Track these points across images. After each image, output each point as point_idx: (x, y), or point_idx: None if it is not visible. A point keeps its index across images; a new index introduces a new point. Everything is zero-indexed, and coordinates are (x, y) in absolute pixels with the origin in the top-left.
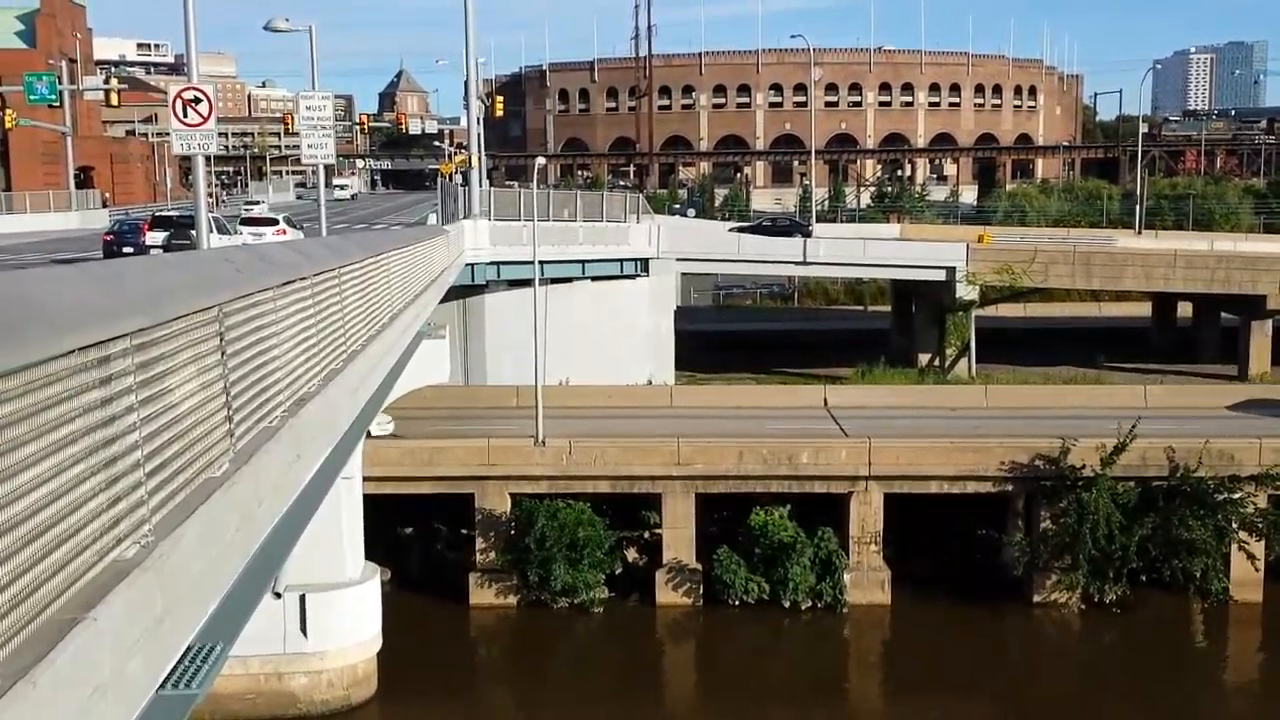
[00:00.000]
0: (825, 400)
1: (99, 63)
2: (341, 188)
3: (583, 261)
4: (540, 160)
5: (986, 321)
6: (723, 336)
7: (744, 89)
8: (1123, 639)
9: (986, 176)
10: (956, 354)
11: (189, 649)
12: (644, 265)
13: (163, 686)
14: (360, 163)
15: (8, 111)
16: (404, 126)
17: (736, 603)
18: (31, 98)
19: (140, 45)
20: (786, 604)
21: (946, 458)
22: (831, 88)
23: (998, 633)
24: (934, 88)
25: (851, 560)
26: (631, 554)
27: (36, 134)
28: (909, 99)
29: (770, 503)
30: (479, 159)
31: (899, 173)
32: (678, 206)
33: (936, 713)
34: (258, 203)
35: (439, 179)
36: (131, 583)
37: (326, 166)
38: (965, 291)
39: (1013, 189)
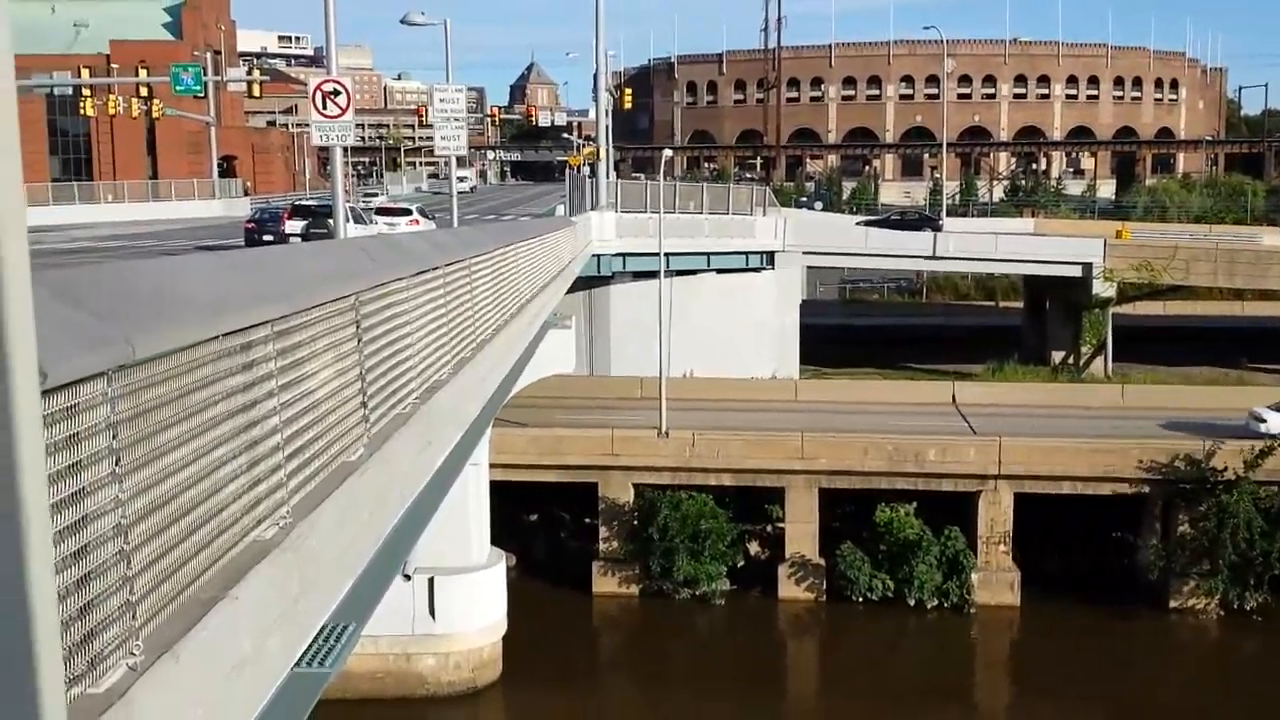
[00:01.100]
0: (954, 397)
1: (242, 55)
2: (460, 179)
3: (708, 254)
4: (667, 152)
5: (1124, 319)
6: (849, 331)
7: (874, 81)
8: (1263, 648)
9: (1125, 171)
10: (1092, 352)
11: (323, 628)
12: (769, 258)
13: (298, 664)
14: (490, 154)
15: (155, 102)
16: (533, 119)
17: (860, 600)
18: (177, 89)
19: (281, 38)
20: (911, 602)
21: (1080, 458)
22: (964, 79)
23: (1130, 638)
24: (1071, 80)
25: (979, 560)
26: (754, 547)
27: (182, 124)
28: (1045, 91)
29: (895, 500)
30: (606, 151)
31: (1033, 166)
32: (804, 200)
33: (1063, 717)
34: (375, 194)
35: (567, 171)
36: (271, 562)
37: (458, 159)
38: (1102, 288)
39: (1152, 184)
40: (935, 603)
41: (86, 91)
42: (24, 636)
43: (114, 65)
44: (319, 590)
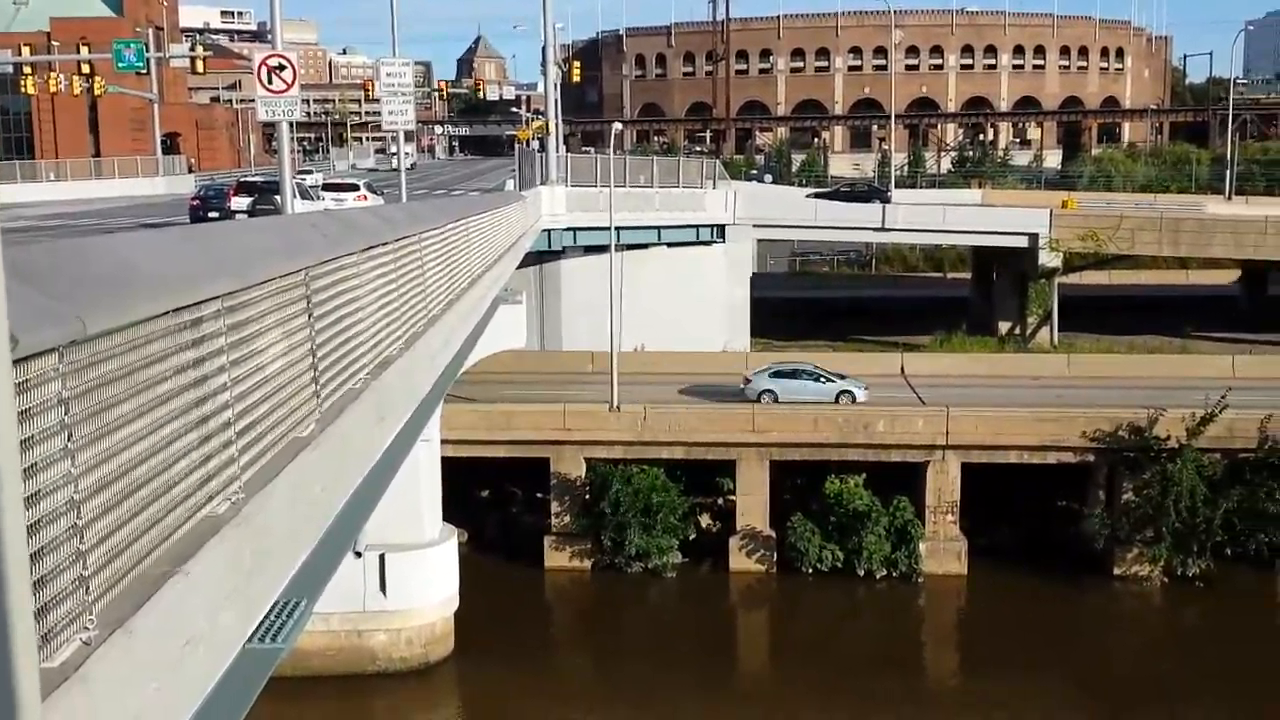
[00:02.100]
0: (902, 368)
1: (184, 30)
2: (406, 154)
3: (659, 228)
4: (617, 126)
5: (1070, 290)
6: (799, 303)
7: (822, 52)
8: (1205, 614)
9: (1071, 141)
10: (1038, 322)
11: (275, 604)
12: (720, 232)
13: (250, 640)
14: (439, 129)
15: (96, 79)
16: (482, 92)
17: (810, 571)
18: (119, 65)
19: (224, 13)
20: (861, 573)
21: (1027, 427)
22: (912, 50)
23: (1077, 605)
24: (1018, 50)
25: (927, 530)
26: (705, 520)
27: (124, 101)
28: (992, 62)
29: (845, 471)
30: (556, 125)
31: (981, 137)
32: (754, 172)
33: (1012, 685)
34: (309, 171)
35: (516, 145)
36: (223, 538)
37: (406, 134)
38: (1048, 259)
39: (1099, 154)
40: (884, 573)
41: (27, 69)
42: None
43: (55, 42)
44: (271, 566)
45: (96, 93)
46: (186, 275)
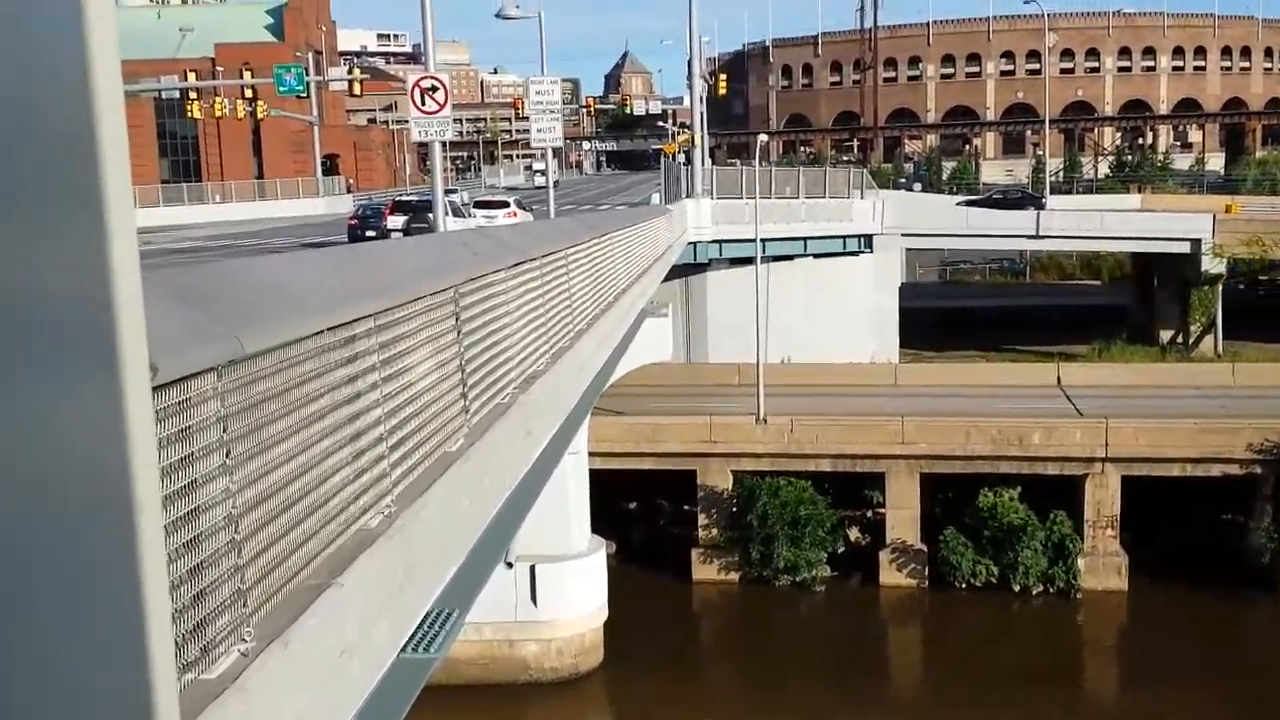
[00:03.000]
0: (1058, 379)
1: (342, 54)
2: (539, 172)
3: (805, 239)
4: (762, 137)
5: (1234, 296)
6: (950, 313)
7: (973, 58)
8: None
9: (1234, 143)
10: (1201, 330)
11: (427, 615)
12: (867, 241)
13: (404, 650)
14: (586, 144)
15: (259, 103)
16: (629, 108)
17: (963, 585)
18: (281, 89)
19: (380, 36)
20: (1016, 588)
21: (1190, 439)
22: (1067, 54)
23: (1242, 623)
24: (1177, 51)
25: (1086, 544)
26: (854, 533)
27: (286, 124)
28: (1150, 63)
29: (998, 484)
30: (701, 138)
31: (1139, 141)
32: (903, 181)
33: (1175, 703)
34: (454, 190)
35: (662, 159)
36: (375, 551)
37: (554, 151)
38: (1211, 264)
39: (1263, 156)
40: (1040, 588)
41: (193, 94)
42: (138, 633)
43: (219, 68)
44: (422, 577)
45: (259, 116)
46: (338, 295)
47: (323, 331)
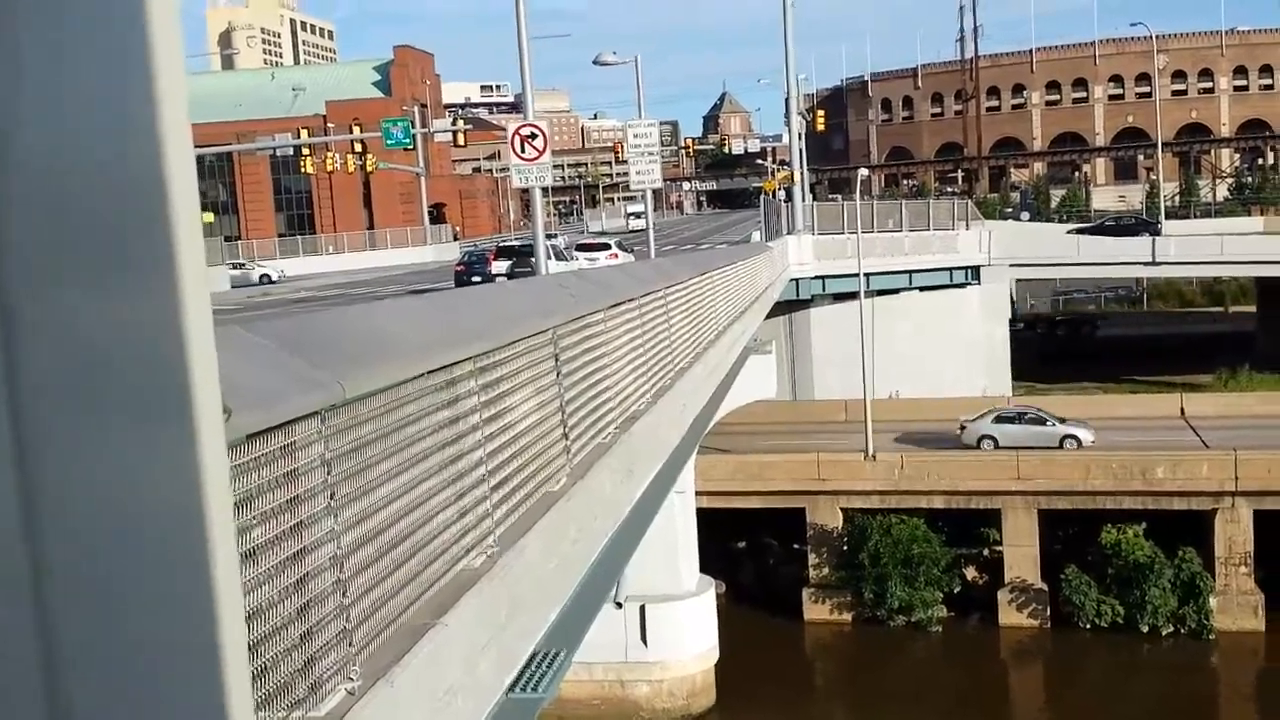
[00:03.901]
0: (1182, 409)
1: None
2: (637, 215)
3: (909, 272)
4: (863, 171)
5: None
6: (1064, 343)
7: (1080, 83)
8: None
9: None
10: None
11: (534, 655)
12: (974, 273)
13: (511, 690)
14: (686, 185)
15: (368, 156)
16: (727, 147)
17: (1087, 626)
18: (389, 142)
19: (483, 87)
20: (1144, 629)
21: None
22: (1179, 75)
23: None
24: None
25: (1218, 583)
26: (970, 572)
27: (394, 175)
28: (1268, 81)
29: (1121, 520)
30: (801, 174)
31: (1259, 161)
32: (1010, 210)
33: None
34: (553, 236)
35: (762, 196)
36: (479, 591)
37: (654, 192)
38: None
39: None
40: (1170, 629)
41: (306, 150)
42: (214, 687)
43: (330, 124)
44: (526, 617)
45: (368, 169)
46: (439, 339)
47: (424, 375)
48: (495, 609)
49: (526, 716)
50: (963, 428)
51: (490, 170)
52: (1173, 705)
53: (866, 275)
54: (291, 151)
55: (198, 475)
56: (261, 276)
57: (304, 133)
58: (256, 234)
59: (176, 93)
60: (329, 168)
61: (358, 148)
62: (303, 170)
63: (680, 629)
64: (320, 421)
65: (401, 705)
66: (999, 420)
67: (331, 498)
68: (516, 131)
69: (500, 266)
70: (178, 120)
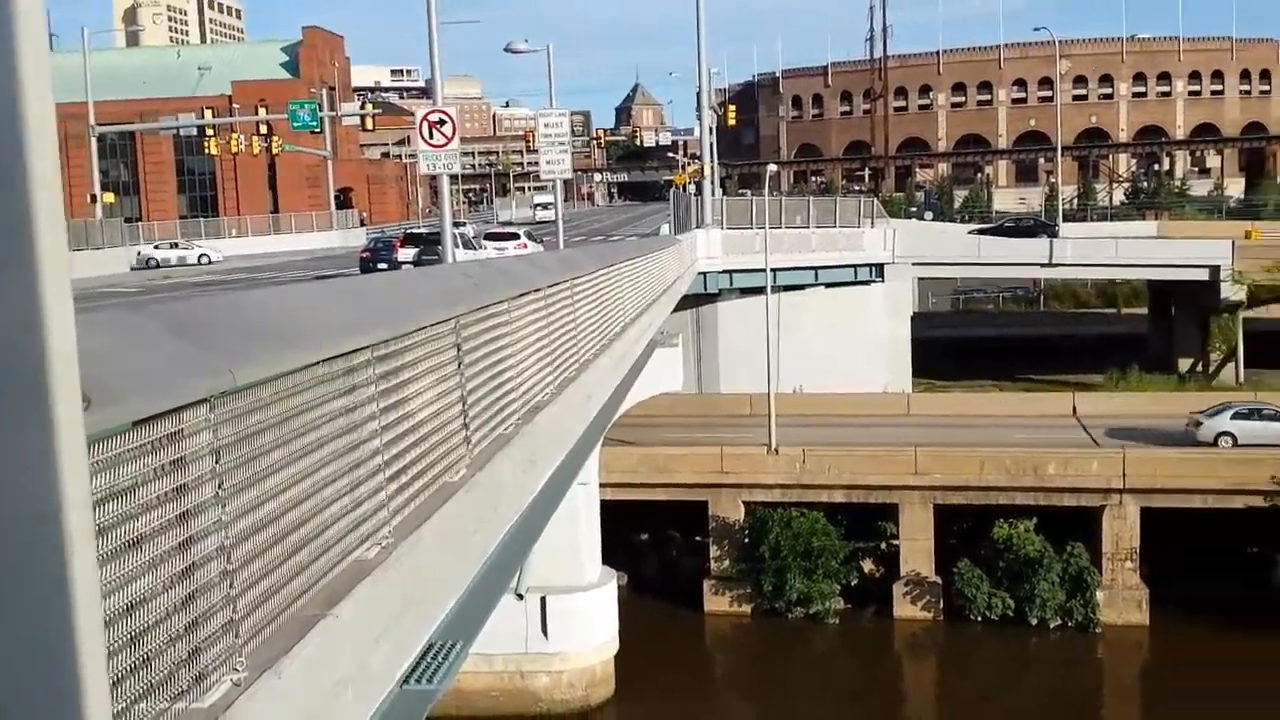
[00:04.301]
0: (1074, 408)
1: (356, 89)
2: (545, 206)
3: (816, 268)
4: (772, 167)
5: (1256, 324)
6: (963, 342)
7: (985, 86)
8: None
9: (1254, 168)
10: (1222, 359)
11: (430, 646)
12: (879, 270)
13: (405, 681)
14: (597, 176)
15: (274, 139)
16: (639, 139)
17: (979, 619)
18: (295, 125)
19: (394, 71)
20: (1033, 622)
21: (1211, 470)
22: (1080, 80)
23: (1269, 659)
24: (1194, 76)
25: (1105, 578)
26: (868, 565)
27: (300, 159)
28: (1166, 89)
29: (1014, 515)
30: (711, 169)
31: (1156, 167)
32: (914, 210)
33: None
34: (462, 224)
35: (672, 189)
36: (373, 582)
37: (565, 182)
38: (1231, 292)
39: None
40: (1058, 622)
41: (210, 131)
42: (69, 680)
43: (235, 105)
44: (422, 609)
45: (274, 152)
46: (337, 326)
47: (320, 362)
48: (389, 600)
49: (421, 708)
50: (1197, 423)
51: (399, 156)
52: (1060, 698)
53: (774, 271)
54: (195, 132)
55: (52, 466)
56: (200, 256)
57: (209, 113)
58: (158, 215)
59: (40, 86)
60: (234, 149)
61: (263, 129)
62: (207, 151)
63: (581, 620)
64: (209, 409)
65: (289, 697)
66: (1236, 417)
67: (220, 487)
68: (425, 117)
69: (407, 254)
70: (41, 113)
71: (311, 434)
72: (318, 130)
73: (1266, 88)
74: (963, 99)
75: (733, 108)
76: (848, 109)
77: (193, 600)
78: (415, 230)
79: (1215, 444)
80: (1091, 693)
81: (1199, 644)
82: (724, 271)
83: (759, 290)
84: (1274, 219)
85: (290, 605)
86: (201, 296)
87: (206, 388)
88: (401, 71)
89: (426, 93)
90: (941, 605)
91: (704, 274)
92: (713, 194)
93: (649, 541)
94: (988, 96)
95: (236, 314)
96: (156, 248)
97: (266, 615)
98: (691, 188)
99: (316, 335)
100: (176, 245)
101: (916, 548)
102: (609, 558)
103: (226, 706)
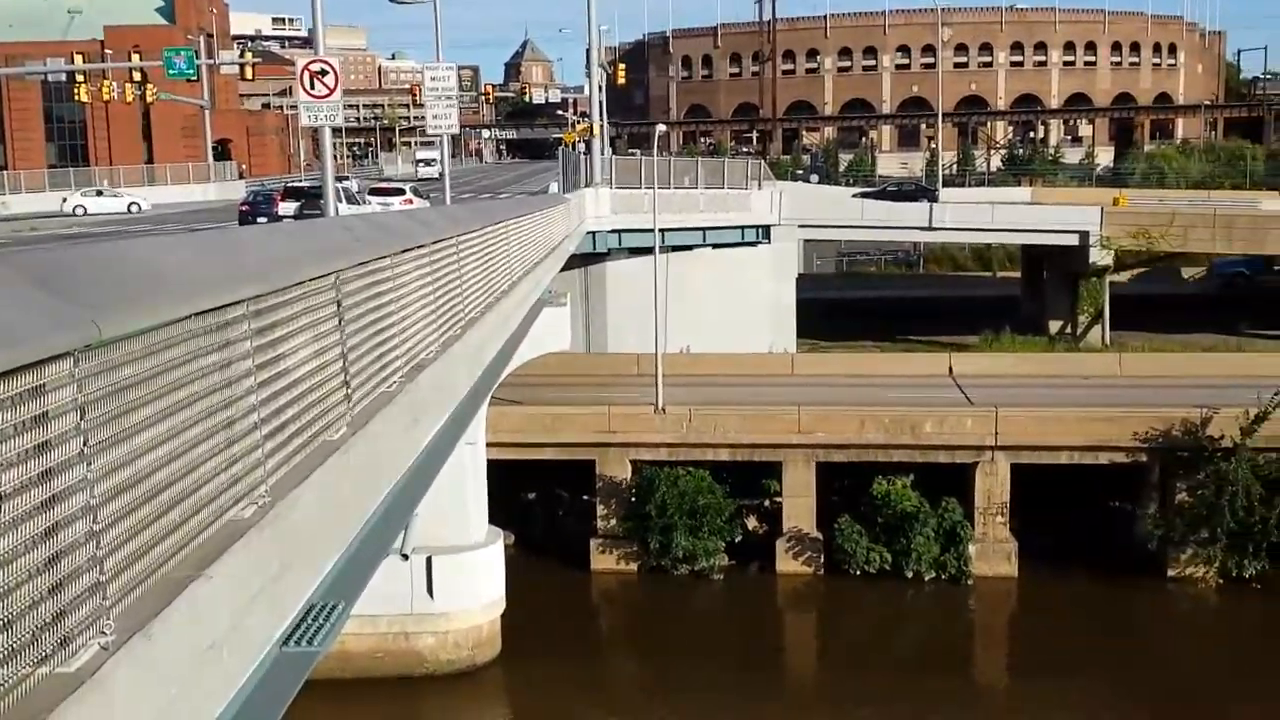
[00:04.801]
0: (950, 369)
1: (235, 38)
2: (428, 163)
3: (704, 229)
4: (661, 127)
5: (1122, 288)
6: (846, 304)
7: (870, 51)
8: (1263, 616)
9: (1124, 138)
10: (1089, 321)
11: (311, 608)
12: (765, 232)
13: (285, 643)
14: (486, 132)
15: (148, 86)
16: (528, 96)
17: (858, 572)
18: (170, 72)
19: (275, 19)
20: (909, 575)
21: (1077, 428)
22: (961, 48)
23: (1129, 608)
24: (1068, 46)
25: (977, 532)
26: (752, 522)
27: (176, 108)
28: (1042, 58)
29: (893, 472)
30: (601, 127)
31: (1031, 135)
32: (800, 172)
33: (1064, 687)
34: (345, 178)
35: (561, 148)
36: (248, 542)
37: (452, 138)
38: (1099, 256)
39: (1151, 150)
40: (933, 575)
41: (80, 78)
42: None
43: (108, 51)
44: (300, 569)
45: (148, 100)
46: (210, 279)
47: (193, 316)
48: (266, 561)
49: (301, 669)
50: None
51: (280, 107)
52: (933, 647)
53: (663, 231)
54: (65, 78)
55: None
56: (130, 204)
57: (79, 58)
58: (24, 165)
59: None
60: (105, 97)
61: (137, 77)
62: (77, 99)
63: (467, 580)
64: (73, 363)
65: (161, 659)
66: None
67: (85, 444)
68: (306, 67)
69: (288, 208)
70: None
71: (183, 390)
72: (194, 79)
73: (1136, 60)
74: (849, 64)
75: (623, 67)
76: (737, 70)
77: (56, 562)
78: (296, 184)
79: None
80: (963, 642)
81: (1063, 595)
82: (613, 231)
83: (648, 250)
84: (1141, 187)
85: (161, 566)
86: (67, 248)
87: (70, 341)
88: (283, 20)
89: (309, 43)
90: (822, 560)
91: (593, 233)
92: (602, 153)
93: (536, 500)
94: (873, 62)
95: (104, 265)
96: (84, 195)
97: (136, 577)
98: (581, 146)
99: (189, 288)
100: (102, 193)
101: (799, 505)
102: (496, 517)
103: (94, 670)
